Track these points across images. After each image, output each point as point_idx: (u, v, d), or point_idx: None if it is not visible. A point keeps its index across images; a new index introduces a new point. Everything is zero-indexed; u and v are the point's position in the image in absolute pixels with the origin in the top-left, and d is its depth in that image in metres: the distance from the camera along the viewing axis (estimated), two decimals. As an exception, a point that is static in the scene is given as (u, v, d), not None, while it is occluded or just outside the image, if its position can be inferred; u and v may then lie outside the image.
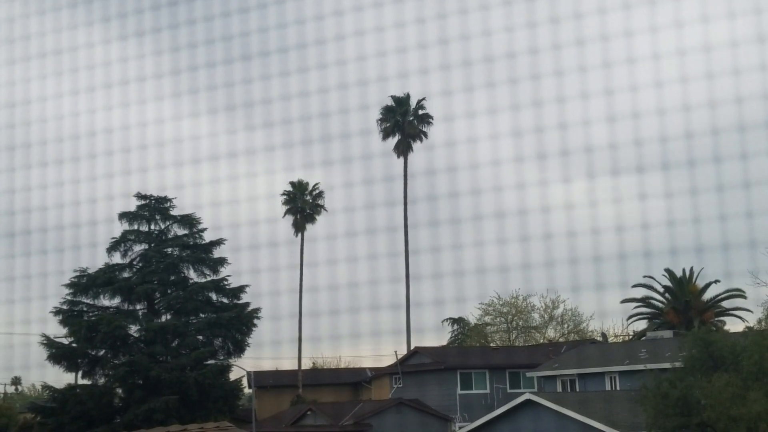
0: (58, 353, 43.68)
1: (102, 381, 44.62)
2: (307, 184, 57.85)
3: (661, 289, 52.09)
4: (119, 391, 44.37)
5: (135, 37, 32.82)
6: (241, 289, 46.33)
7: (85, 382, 45.23)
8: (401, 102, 58.74)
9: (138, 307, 46.25)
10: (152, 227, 47.54)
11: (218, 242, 47.11)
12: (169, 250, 47.03)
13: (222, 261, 46.64)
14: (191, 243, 47.09)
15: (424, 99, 58.34)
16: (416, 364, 49.48)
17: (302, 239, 57.00)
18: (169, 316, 45.73)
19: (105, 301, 45.57)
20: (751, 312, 49.13)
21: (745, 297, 48.93)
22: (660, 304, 52.66)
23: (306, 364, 61.61)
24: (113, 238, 46.16)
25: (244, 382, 48.55)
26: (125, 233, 46.58)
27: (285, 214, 57.47)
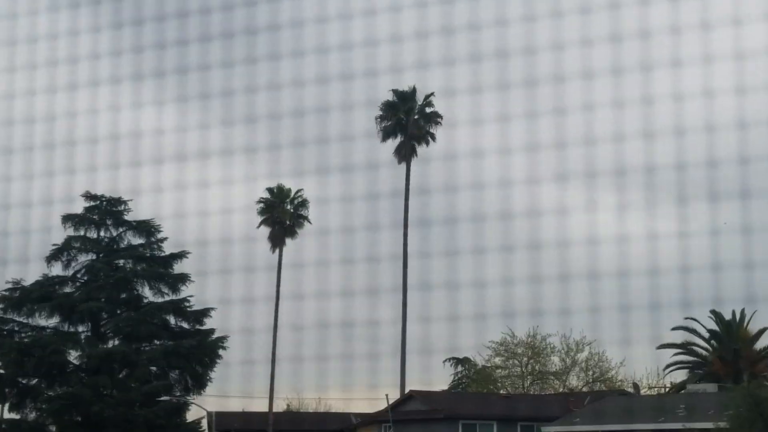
0: (-20, 380, 43.86)
1: (33, 416, 44.69)
2: (289, 190, 58.31)
3: (706, 335, 52.46)
4: (53, 429, 44.46)
5: (90, 5, 33.01)
6: (205, 312, 46.50)
7: (13, 416, 45.36)
8: (405, 97, 59.14)
9: (80, 329, 46.38)
10: (102, 234, 47.75)
11: (180, 255, 47.25)
12: (121, 262, 47.26)
13: (184, 278, 46.83)
14: (148, 255, 47.30)
15: (432, 94, 58.75)
16: (411, 411, 49.70)
17: (280, 255, 57.46)
18: (117, 342, 45.86)
19: (41, 321, 45.71)
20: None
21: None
22: (704, 352, 53.00)
23: (280, 406, 61.90)
24: (54, 245, 46.21)
25: (204, 424, 48.74)
26: (69, 240, 46.74)
27: (260, 224, 57.97)
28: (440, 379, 67.97)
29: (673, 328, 50.30)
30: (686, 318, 50.31)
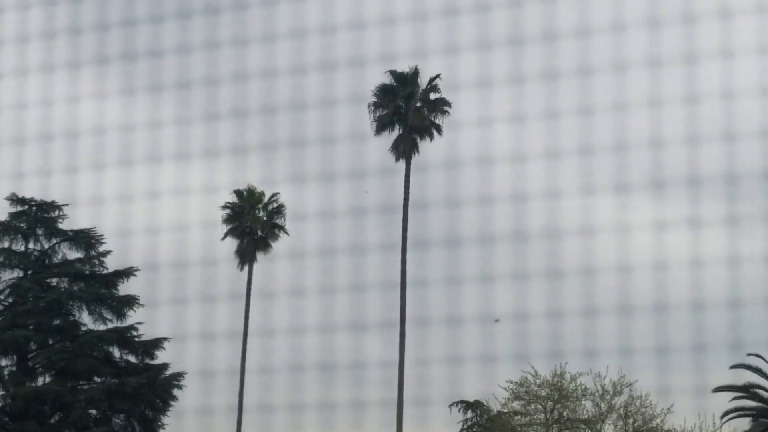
0: None
1: (-57, 470, 44.91)
2: (262, 194, 58.53)
3: (774, 375, 52.65)
4: (-32, 485, 44.67)
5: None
6: (156, 343, 46.67)
7: None
8: (405, 80, 59.22)
9: (3, 362, 46.49)
10: (31, 246, 47.96)
11: (127, 273, 47.47)
12: (54, 281, 47.45)
13: (131, 301, 47.00)
14: (87, 272, 47.51)
15: (438, 77, 58.75)
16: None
17: (250, 274, 57.62)
18: (48, 378, 46.04)
19: (-47, 352, 45.98)
20: None
21: None
22: (770, 396, 53.18)
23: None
24: (-29, 259, 46.67)
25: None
26: (-10, 253, 47.02)
27: (226, 235, 58.15)
28: (445, 430, 68.25)
29: (732, 367, 50.47)
30: (748, 354, 50.50)
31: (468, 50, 29.14)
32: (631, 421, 61.94)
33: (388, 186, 56.25)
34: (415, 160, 58.53)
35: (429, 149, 58.82)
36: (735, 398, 53.91)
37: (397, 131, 59.21)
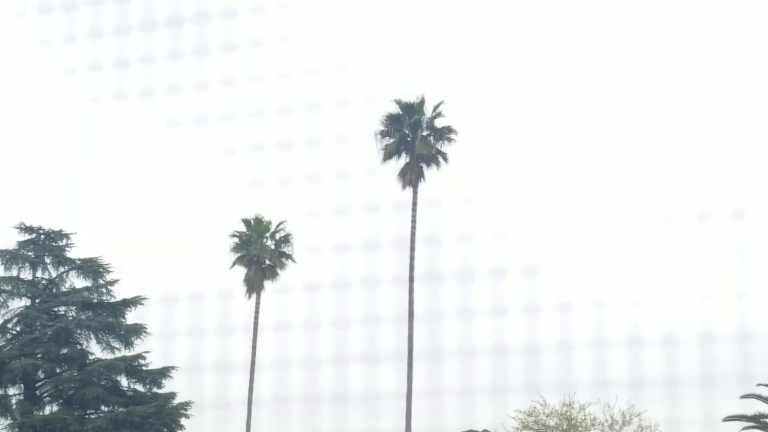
0: None
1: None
2: (269, 223, 58.69)
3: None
4: None
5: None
6: (164, 372, 46.75)
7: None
8: (411, 109, 59.42)
9: (11, 391, 46.57)
10: (39, 274, 48.10)
11: (135, 302, 47.61)
12: (62, 309, 47.54)
13: (138, 330, 47.07)
14: (95, 301, 47.62)
15: (442, 103, 58.88)
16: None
17: (257, 303, 57.66)
18: (55, 408, 46.01)
19: (-39, 382, 45.94)
20: None
21: None
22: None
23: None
24: (-22, 288, 46.74)
25: None
26: (-3, 281, 47.11)
27: (234, 264, 58.26)
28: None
29: (743, 396, 50.43)
30: (759, 384, 50.46)
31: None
32: (640, 450, 61.82)
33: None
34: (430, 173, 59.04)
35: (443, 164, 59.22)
36: (745, 428, 53.80)
37: (403, 159, 59.36)
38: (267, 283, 58.25)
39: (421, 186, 58.77)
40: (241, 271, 58.35)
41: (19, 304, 47.42)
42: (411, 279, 56.82)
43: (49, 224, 48.01)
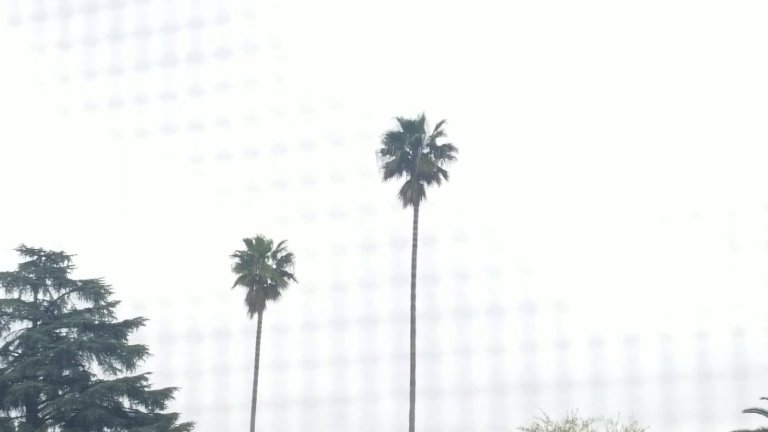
0: None
1: None
2: (270, 242, 58.77)
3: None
4: None
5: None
6: (166, 393, 46.80)
7: None
8: (412, 127, 59.33)
9: (13, 413, 46.57)
10: (40, 296, 48.19)
11: (136, 323, 47.73)
12: (64, 331, 47.55)
13: (140, 351, 47.19)
14: (96, 322, 47.66)
15: (444, 122, 58.84)
16: None
17: (259, 322, 57.70)
18: (58, 430, 46.04)
19: (-37, 404, 45.99)
20: None
21: None
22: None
23: None
24: (-20, 310, 46.77)
25: None
26: (-1, 304, 47.23)
27: (236, 284, 58.31)
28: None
29: (746, 411, 50.48)
30: (763, 398, 50.55)
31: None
32: (643, 466, 61.71)
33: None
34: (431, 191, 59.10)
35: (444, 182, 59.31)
36: (749, 443, 53.72)
37: (404, 178, 59.26)
38: (269, 303, 58.37)
39: (422, 204, 58.89)
40: (242, 291, 58.46)
41: (20, 326, 47.53)
42: (413, 308, 56.90)
43: (50, 245, 48.22)
